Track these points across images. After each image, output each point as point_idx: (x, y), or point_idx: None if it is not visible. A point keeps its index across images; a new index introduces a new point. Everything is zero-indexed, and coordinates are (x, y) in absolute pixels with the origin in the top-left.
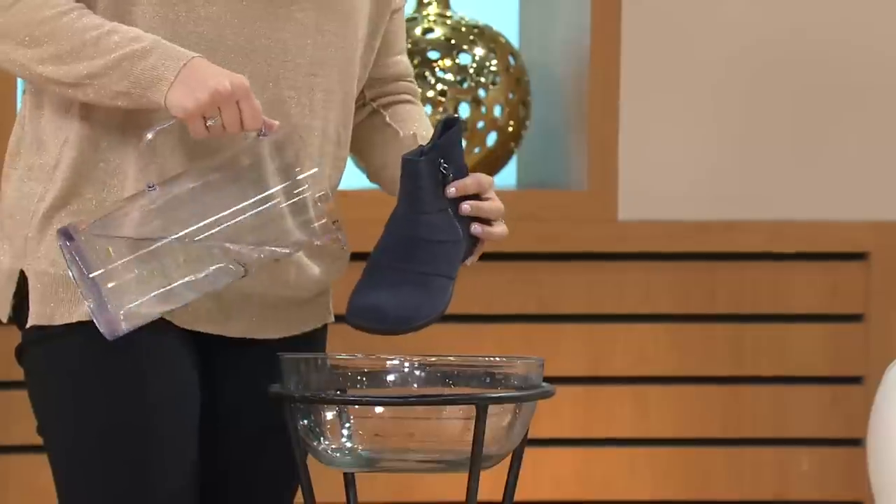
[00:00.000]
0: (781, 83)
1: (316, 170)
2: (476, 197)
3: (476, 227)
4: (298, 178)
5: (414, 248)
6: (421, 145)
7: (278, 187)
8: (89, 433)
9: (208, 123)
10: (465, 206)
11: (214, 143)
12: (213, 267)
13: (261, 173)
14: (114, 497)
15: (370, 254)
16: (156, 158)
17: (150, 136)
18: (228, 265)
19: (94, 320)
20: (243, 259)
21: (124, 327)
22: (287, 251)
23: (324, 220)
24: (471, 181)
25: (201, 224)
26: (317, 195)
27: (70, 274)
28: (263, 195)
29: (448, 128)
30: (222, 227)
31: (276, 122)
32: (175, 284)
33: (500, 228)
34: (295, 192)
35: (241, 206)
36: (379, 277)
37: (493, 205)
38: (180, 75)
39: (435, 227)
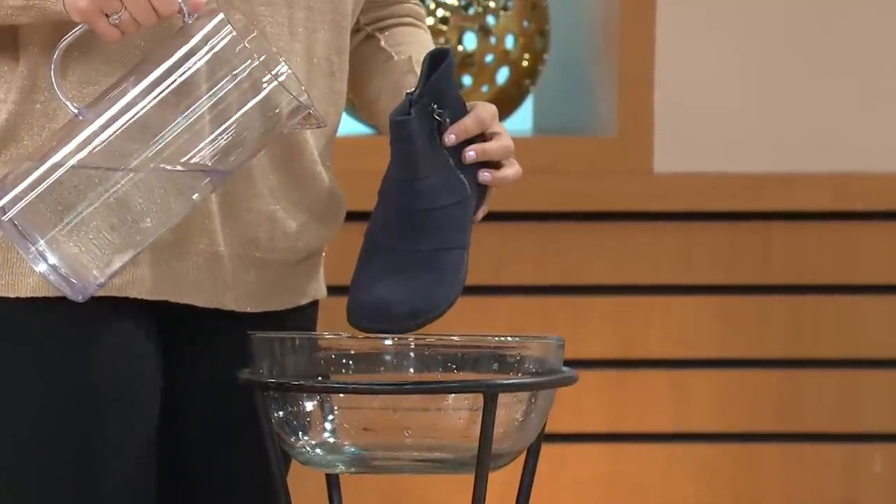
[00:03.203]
0: (851, 8)
1: (231, 34)
2: (480, 137)
3: (485, 175)
4: (232, 60)
5: (417, 222)
6: (408, 93)
7: (226, 79)
8: (21, 428)
9: (113, 20)
10: (470, 154)
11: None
12: (168, 191)
13: (192, 67)
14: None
15: (365, 233)
16: (93, 86)
17: (56, 53)
18: (185, 185)
19: (53, 284)
20: (190, 179)
21: (88, 288)
22: (236, 161)
23: (290, 102)
24: (471, 122)
25: (145, 147)
26: (278, 73)
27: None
28: (211, 93)
29: (436, 63)
30: (167, 142)
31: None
32: (130, 221)
33: (512, 170)
34: (236, 74)
35: (186, 114)
36: (380, 263)
37: (500, 144)
38: None
39: (437, 190)
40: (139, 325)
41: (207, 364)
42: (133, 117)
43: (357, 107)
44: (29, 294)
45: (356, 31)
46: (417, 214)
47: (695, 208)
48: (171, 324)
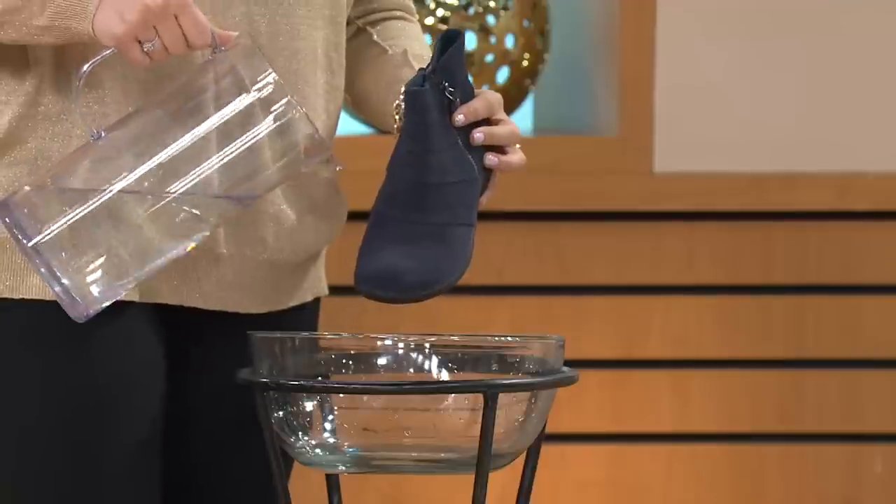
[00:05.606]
0: (853, 8)
1: (272, 75)
2: (486, 121)
3: (491, 158)
4: (260, 95)
5: (426, 196)
6: (421, 68)
7: (239, 111)
8: (23, 429)
9: (146, 48)
10: (478, 135)
11: (172, 74)
12: (180, 220)
13: (221, 99)
14: None
15: (373, 205)
16: (106, 103)
17: (83, 70)
18: (196, 216)
19: (60, 303)
20: (211, 208)
21: (91, 309)
22: (256, 193)
23: (309, 137)
24: (480, 104)
25: (162, 175)
26: (293, 112)
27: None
28: (232, 125)
29: (448, 44)
30: (185, 171)
31: (233, 33)
32: (140, 248)
33: (517, 156)
34: (265, 112)
35: (206, 144)
36: (389, 233)
37: (507, 129)
38: None
39: (447, 166)
40: (143, 328)
41: (213, 365)
42: (152, 145)
43: (348, 101)
44: (33, 296)
45: (346, 24)
46: (427, 187)
47: (696, 208)
48: (176, 325)
